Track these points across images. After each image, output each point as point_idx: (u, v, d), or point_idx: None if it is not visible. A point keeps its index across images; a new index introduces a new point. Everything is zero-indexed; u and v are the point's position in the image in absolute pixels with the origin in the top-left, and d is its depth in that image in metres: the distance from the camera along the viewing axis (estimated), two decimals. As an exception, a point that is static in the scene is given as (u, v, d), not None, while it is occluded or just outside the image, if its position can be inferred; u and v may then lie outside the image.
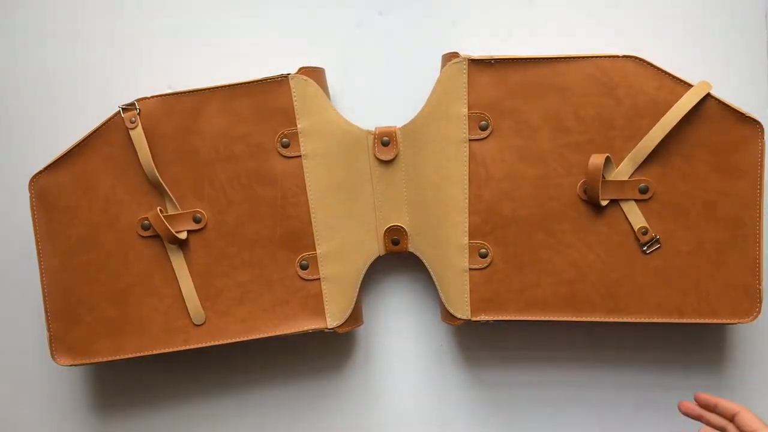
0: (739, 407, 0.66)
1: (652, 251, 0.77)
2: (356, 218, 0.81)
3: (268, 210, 0.79)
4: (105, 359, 0.80)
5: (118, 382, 0.89)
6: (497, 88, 0.78)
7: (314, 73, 0.80)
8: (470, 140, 0.79)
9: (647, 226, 0.77)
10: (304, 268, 0.80)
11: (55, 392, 0.89)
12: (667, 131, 0.76)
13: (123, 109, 0.79)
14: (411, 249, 0.82)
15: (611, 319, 0.78)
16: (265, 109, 0.79)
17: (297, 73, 0.79)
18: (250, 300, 0.80)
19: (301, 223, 0.79)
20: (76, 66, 0.88)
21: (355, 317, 0.82)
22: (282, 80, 0.78)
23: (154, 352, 0.80)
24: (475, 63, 0.78)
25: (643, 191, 0.77)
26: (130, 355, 0.80)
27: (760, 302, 0.76)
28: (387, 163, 0.81)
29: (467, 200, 0.79)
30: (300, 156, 0.79)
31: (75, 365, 0.80)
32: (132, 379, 0.88)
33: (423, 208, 0.81)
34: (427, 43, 0.86)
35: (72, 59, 0.88)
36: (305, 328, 0.79)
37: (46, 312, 0.80)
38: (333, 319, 0.80)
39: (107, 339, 0.80)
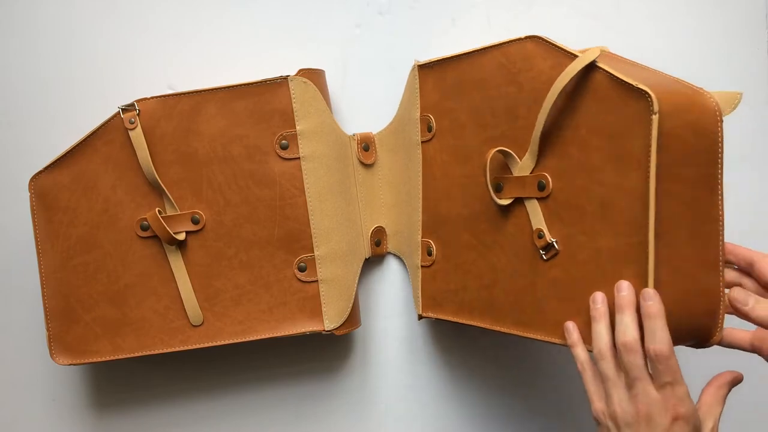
0: (759, 255, 0.58)
1: (549, 258, 0.65)
2: (350, 220, 0.82)
3: (267, 211, 0.79)
4: (103, 359, 0.80)
5: (117, 382, 0.89)
6: (437, 89, 0.77)
7: (314, 75, 0.80)
8: (422, 142, 0.79)
9: (543, 228, 0.65)
10: (302, 270, 0.80)
11: (53, 392, 0.89)
12: (547, 112, 0.63)
13: (122, 109, 0.79)
14: (390, 250, 0.84)
15: (518, 333, 0.68)
16: (265, 110, 0.79)
17: (296, 74, 0.79)
18: (247, 301, 0.80)
19: (299, 225, 0.79)
20: (76, 66, 0.88)
21: (353, 319, 0.82)
22: (281, 82, 0.78)
23: (153, 352, 0.80)
24: (422, 68, 0.78)
25: (541, 188, 0.66)
26: (128, 355, 0.80)
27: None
28: (368, 166, 0.84)
29: (420, 199, 0.80)
30: (299, 158, 0.79)
31: (74, 365, 0.81)
32: (131, 379, 0.89)
33: (397, 209, 0.83)
34: (427, 43, 0.86)
35: (72, 59, 0.88)
36: (303, 330, 0.79)
37: (45, 311, 0.81)
38: (330, 321, 0.80)
39: (106, 339, 0.80)
